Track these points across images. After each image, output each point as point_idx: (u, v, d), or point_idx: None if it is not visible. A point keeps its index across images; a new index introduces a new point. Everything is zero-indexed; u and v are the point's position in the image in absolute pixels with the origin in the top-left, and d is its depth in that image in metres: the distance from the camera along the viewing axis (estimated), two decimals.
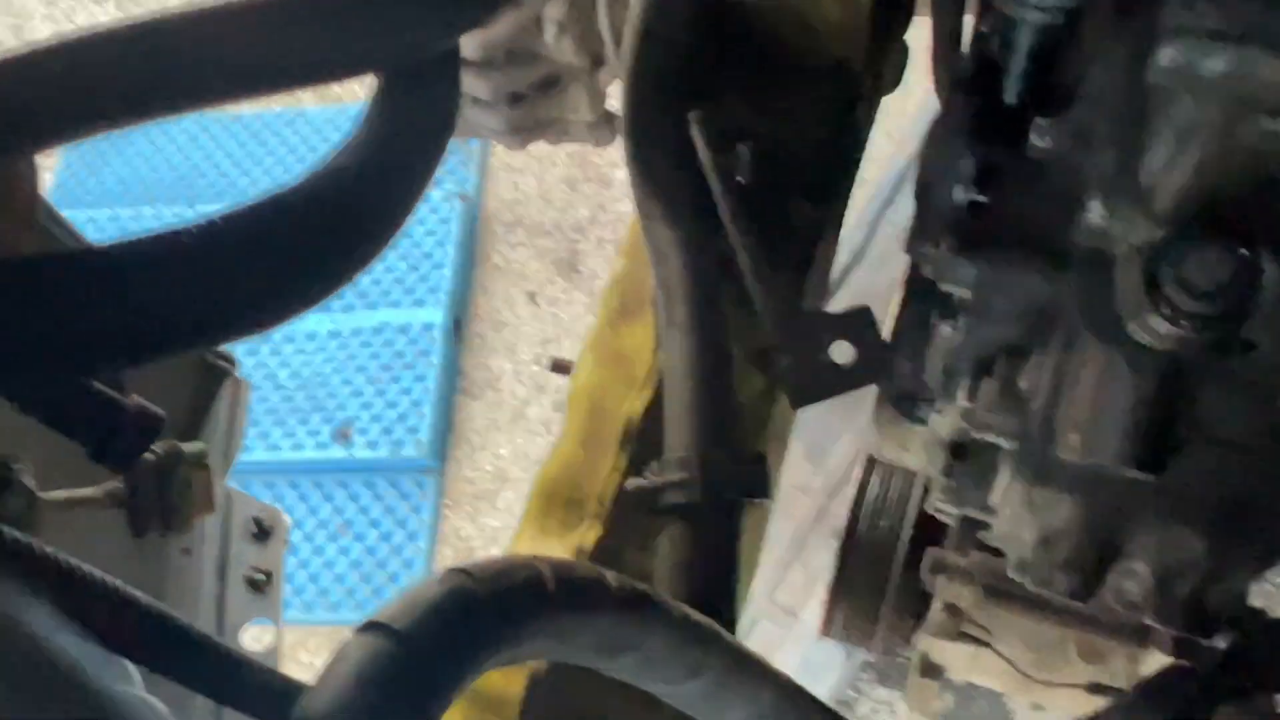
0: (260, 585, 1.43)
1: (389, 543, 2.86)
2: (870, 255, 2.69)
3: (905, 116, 2.85)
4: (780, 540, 2.38)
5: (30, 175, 0.65)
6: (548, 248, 3.19)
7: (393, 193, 0.69)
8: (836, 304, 2.81)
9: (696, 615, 0.82)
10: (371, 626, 0.64)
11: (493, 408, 3.01)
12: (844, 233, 1.40)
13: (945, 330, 1.02)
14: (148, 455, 0.89)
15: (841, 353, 1.08)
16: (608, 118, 2.14)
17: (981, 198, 0.91)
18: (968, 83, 0.92)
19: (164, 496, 0.92)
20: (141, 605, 0.64)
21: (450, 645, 0.65)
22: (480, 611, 0.67)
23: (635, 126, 1.09)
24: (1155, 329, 0.80)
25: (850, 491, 1.82)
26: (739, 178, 1.17)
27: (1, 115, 0.57)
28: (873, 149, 1.42)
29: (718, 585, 0.96)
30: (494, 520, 2.88)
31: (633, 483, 1.00)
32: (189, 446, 0.94)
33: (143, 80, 0.60)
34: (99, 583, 0.62)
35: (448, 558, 2.81)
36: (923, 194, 0.94)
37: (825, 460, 2.47)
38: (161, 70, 0.61)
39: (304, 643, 2.78)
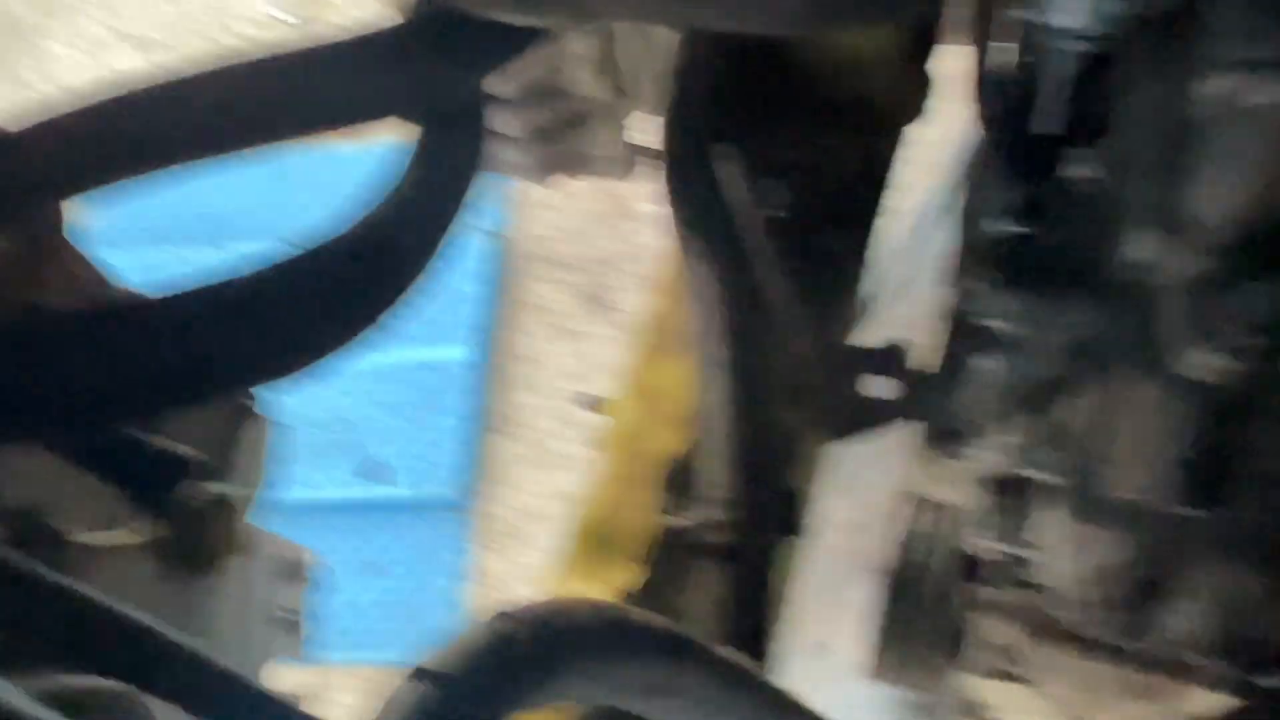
0: (288, 625, 1.42)
1: (417, 581, 2.84)
2: (893, 286, 2.67)
3: (927, 145, 2.84)
4: (810, 575, 2.36)
5: (58, 222, 0.65)
6: (575, 283, 3.18)
7: (430, 237, 0.69)
8: (861, 336, 2.79)
9: (736, 656, 0.81)
10: (421, 674, 0.64)
11: (521, 444, 3.01)
12: None
13: (986, 364, 1.01)
14: (175, 496, 0.88)
15: (878, 387, 1.07)
16: (633, 151, 2.13)
17: (1023, 230, 0.90)
18: (1006, 113, 0.91)
19: (191, 538, 0.91)
20: (176, 645, 0.63)
21: (497, 692, 0.66)
22: (525, 656, 0.67)
23: (674, 163, 1.08)
24: (1203, 363, 0.78)
25: (880, 524, 1.79)
26: (773, 212, 1.16)
27: (37, 167, 0.58)
28: (899, 178, 1.41)
29: (754, 625, 0.95)
30: (524, 557, 2.85)
31: (671, 523, 0.99)
32: (216, 487, 0.93)
33: (176, 130, 0.61)
34: (133, 623, 0.62)
35: (477, 596, 2.80)
36: (964, 227, 0.92)
37: (854, 493, 2.44)
38: (195, 119, 0.61)
39: (331, 682, 2.76)
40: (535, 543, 2.83)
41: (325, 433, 3.00)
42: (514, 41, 0.73)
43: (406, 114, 0.68)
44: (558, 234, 3.27)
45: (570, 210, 3.30)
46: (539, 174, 2.30)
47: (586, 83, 1.88)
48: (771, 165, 1.18)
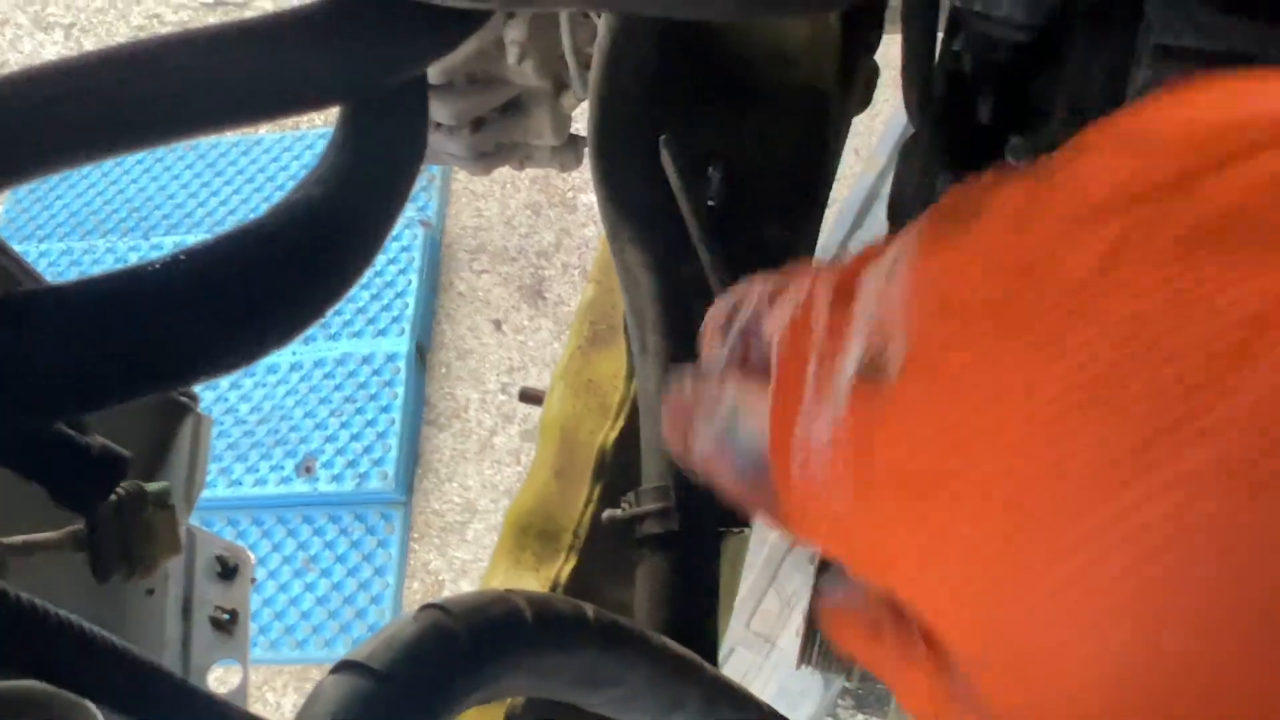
0: (226, 625, 1.39)
1: (356, 578, 2.79)
2: None
3: (873, 135, 2.86)
4: (754, 566, 2.36)
5: None
6: (512, 274, 3.15)
7: (365, 224, 0.67)
8: None
9: (677, 647, 0.80)
10: (347, 666, 0.62)
11: (459, 438, 2.96)
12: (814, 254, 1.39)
13: None
14: (110, 496, 0.86)
15: None
16: (572, 142, 2.12)
17: None
18: (940, 102, 0.91)
19: (127, 538, 0.89)
20: (112, 647, 0.62)
21: (428, 684, 0.64)
22: (458, 649, 0.66)
23: (604, 150, 1.07)
24: None
25: None
26: (710, 201, 1.16)
27: None
28: (841, 168, 1.41)
29: (698, 616, 0.95)
30: (463, 553, 2.83)
31: (608, 514, 0.98)
32: (152, 486, 0.91)
33: (104, 117, 0.58)
34: (67, 625, 0.60)
35: (416, 592, 2.77)
36: (896, 216, 0.92)
37: None
38: (123, 106, 0.58)
39: (270, 682, 2.73)
40: (477, 538, 2.81)
41: (260, 429, 2.94)
42: (452, 25, 0.71)
43: (336, 99, 0.66)
44: (494, 224, 3.25)
45: (506, 200, 3.27)
46: (475, 164, 2.28)
47: (524, 71, 1.86)
48: (708, 155, 1.18)
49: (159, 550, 0.92)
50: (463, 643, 0.66)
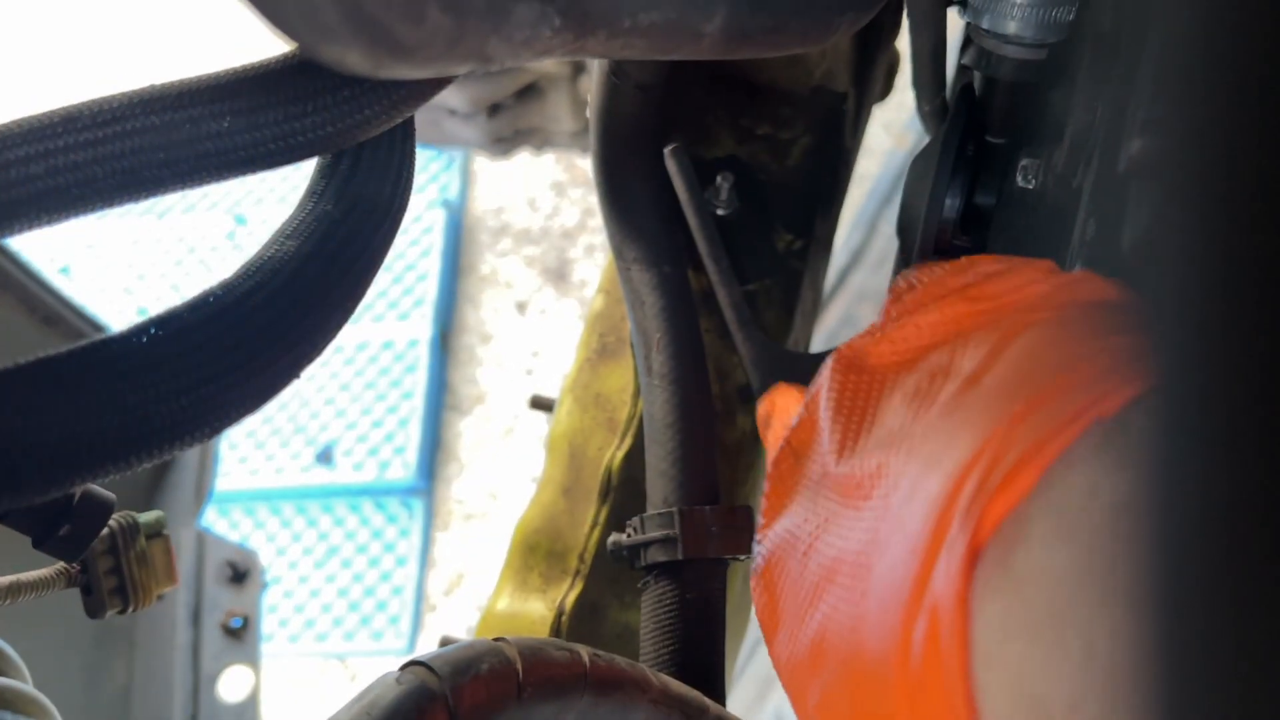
0: (237, 630, 1.39)
1: (377, 568, 2.74)
2: (869, 257, 2.63)
3: (904, 110, 2.80)
4: None
5: None
6: (536, 256, 3.10)
7: (343, 280, 0.65)
8: (835, 307, 2.73)
9: (679, 687, 0.79)
10: None
11: (483, 423, 2.91)
12: (842, 232, 1.35)
13: None
14: (98, 540, 0.84)
15: None
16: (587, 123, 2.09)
17: (965, 243, 0.87)
18: (952, 118, 0.88)
19: (120, 573, 0.87)
20: None
21: None
22: (444, 711, 0.64)
23: (609, 171, 1.04)
24: None
25: None
26: (720, 211, 1.13)
27: None
28: (871, 143, 1.38)
29: (704, 646, 0.93)
30: (486, 542, 2.78)
31: (614, 539, 0.96)
32: (145, 517, 0.90)
33: (69, 177, 0.56)
34: None
35: (438, 582, 2.75)
36: (905, 235, 0.89)
37: None
38: (92, 165, 0.56)
39: (290, 675, 2.68)
40: (500, 526, 2.77)
41: (279, 417, 2.90)
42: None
43: (310, 155, 0.63)
44: (516, 205, 3.19)
45: (529, 180, 3.22)
46: (493, 148, 2.26)
47: None
48: (717, 163, 1.15)
49: (155, 582, 0.91)
50: (449, 705, 0.64)
